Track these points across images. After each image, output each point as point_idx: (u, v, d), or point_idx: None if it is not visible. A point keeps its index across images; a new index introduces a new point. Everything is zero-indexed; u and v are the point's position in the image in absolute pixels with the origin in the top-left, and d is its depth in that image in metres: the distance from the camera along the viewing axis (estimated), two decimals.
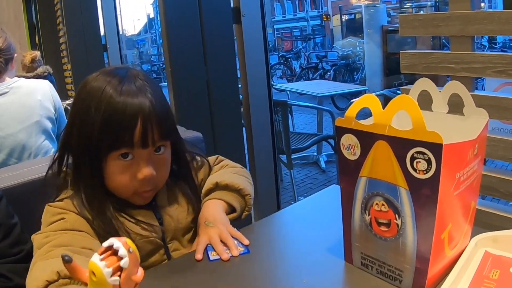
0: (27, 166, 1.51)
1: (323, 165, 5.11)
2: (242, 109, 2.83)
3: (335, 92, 6.03)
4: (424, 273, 0.76)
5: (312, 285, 0.86)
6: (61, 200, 0.98)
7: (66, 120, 2.43)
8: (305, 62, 12.67)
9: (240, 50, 2.64)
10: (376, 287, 0.83)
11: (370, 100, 0.76)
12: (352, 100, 4.86)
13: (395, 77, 7.24)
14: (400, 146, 0.72)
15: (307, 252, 0.97)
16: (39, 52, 3.48)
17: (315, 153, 5.26)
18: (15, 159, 2.21)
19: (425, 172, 0.70)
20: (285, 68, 12.84)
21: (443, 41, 6.88)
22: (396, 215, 0.77)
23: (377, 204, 0.79)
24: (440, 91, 0.92)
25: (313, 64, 11.82)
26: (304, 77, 11.47)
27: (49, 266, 0.81)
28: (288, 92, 6.65)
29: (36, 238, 0.92)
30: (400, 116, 0.74)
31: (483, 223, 0.98)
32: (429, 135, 0.68)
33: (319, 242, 0.99)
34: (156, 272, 0.96)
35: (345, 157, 0.82)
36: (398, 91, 3.93)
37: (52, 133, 2.34)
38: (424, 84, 0.93)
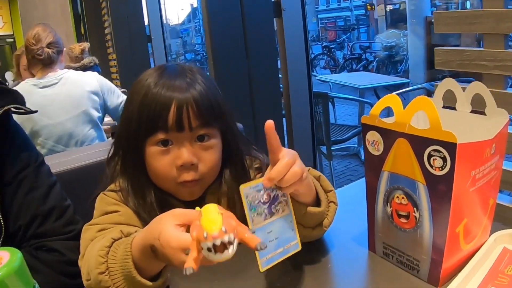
0: (75, 153, 1.60)
1: (363, 157, 5.09)
2: (282, 101, 2.89)
3: (376, 84, 5.99)
4: (439, 264, 0.82)
5: (336, 270, 0.93)
6: (113, 190, 1.01)
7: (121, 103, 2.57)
8: (349, 53, 12.59)
9: (280, 43, 2.69)
10: (396, 275, 0.88)
11: (392, 100, 0.81)
12: (394, 93, 4.83)
13: (438, 70, 7.08)
14: (419, 143, 0.77)
15: (334, 239, 1.03)
16: (88, 43, 3.60)
17: (356, 145, 5.27)
18: (62, 146, 2.35)
19: (440, 168, 0.75)
20: (329, 58, 12.78)
21: None
22: (415, 208, 0.82)
23: (397, 197, 0.85)
24: (463, 91, 0.97)
25: (357, 55, 11.73)
26: (347, 68, 11.40)
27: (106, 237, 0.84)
28: (330, 84, 6.66)
29: (89, 230, 0.93)
30: (420, 115, 0.79)
31: (506, 218, 1.01)
32: (444, 134, 0.73)
33: (346, 231, 1.05)
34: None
35: (370, 152, 0.88)
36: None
37: (98, 122, 2.46)
38: (448, 84, 0.97)
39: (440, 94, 0.98)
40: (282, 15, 2.61)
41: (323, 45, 14.22)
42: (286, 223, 0.81)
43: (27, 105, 1.11)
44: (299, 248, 0.83)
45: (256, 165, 1.08)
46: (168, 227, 0.70)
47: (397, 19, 12.06)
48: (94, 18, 5.26)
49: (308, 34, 2.89)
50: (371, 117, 0.85)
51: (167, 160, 0.94)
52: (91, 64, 3.51)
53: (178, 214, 0.72)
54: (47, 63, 2.37)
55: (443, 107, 0.99)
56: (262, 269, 0.77)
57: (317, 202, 0.91)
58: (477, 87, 0.94)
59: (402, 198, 0.84)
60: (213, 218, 0.62)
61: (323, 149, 4.24)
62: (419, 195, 0.80)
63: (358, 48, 12.31)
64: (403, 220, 0.85)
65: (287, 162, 0.78)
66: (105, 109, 2.54)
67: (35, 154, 1.12)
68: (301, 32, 2.72)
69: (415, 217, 0.83)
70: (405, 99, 7.05)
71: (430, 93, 3.91)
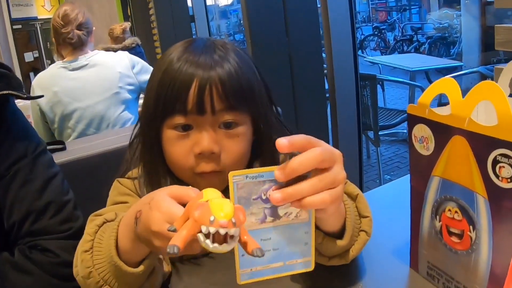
0: (104, 136, 1.53)
1: None
2: (326, 83, 2.72)
3: (428, 67, 5.69)
4: None
5: None
6: (130, 178, 0.92)
7: None
8: (400, 34, 12.16)
9: (324, 21, 2.51)
10: None
11: (447, 85, 0.63)
12: (445, 76, 4.58)
13: (493, 52, 6.74)
14: (481, 145, 0.59)
15: (368, 250, 0.83)
16: (129, 23, 3.54)
17: (405, 130, 5.02)
18: (93, 129, 2.31)
19: (509, 180, 0.57)
20: (379, 40, 12.39)
21: None
22: (471, 227, 0.64)
23: (449, 210, 0.67)
24: None
25: (408, 36, 11.31)
26: (398, 50, 11.02)
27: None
28: (380, 66, 6.40)
29: (92, 221, 0.81)
30: (487, 107, 0.61)
31: None
32: None
33: (384, 241, 0.88)
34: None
35: (417, 151, 0.70)
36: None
37: (131, 104, 2.41)
38: None
39: (506, 80, 0.78)
40: None
41: (374, 26, 13.84)
42: (298, 232, 0.61)
43: (56, 89, 1.01)
44: (311, 267, 0.63)
45: None
46: (164, 195, 0.60)
47: (450, 1, 11.53)
48: (139, 1, 5.22)
49: (359, 15, 2.70)
50: (420, 107, 0.67)
51: (185, 146, 0.82)
52: (133, 45, 3.43)
53: (175, 188, 0.61)
54: (78, 45, 2.30)
55: (509, 95, 0.80)
56: (241, 281, 0.60)
57: (342, 229, 0.73)
58: None
59: (456, 212, 0.66)
60: (224, 204, 0.51)
61: (370, 134, 4.04)
62: (477, 211, 0.62)
63: (409, 29, 11.85)
64: (454, 239, 0.68)
65: (322, 152, 0.58)
66: (139, 89, 2.43)
67: (35, 144, 1.03)
68: (346, 8, 2.52)
69: (471, 237, 0.65)
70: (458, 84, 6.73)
71: (485, 78, 3.64)
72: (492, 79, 3.60)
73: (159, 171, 0.88)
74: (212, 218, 0.49)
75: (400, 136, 5.14)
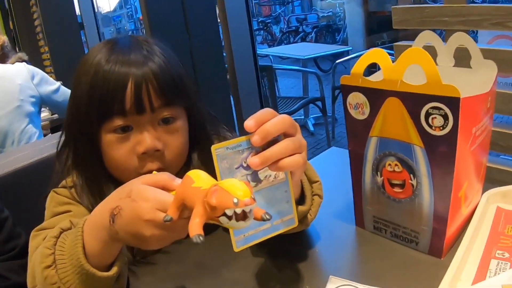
0: (13, 154, 1.45)
1: (311, 128, 5.06)
2: (228, 77, 2.77)
3: (320, 54, 5.93)
4: (442, 234, 0.73)
5: (325, 253, 0.83)
6: (65, 187, 0.88)
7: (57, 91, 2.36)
8: (285, 26, 12.49)
9: (222, 15, 2.57)
10: (392, 251, 0.79)
11: (378, 55, 0.71)
12: (336, 61, 4.80)
13: (377, 36, 7.17)
14: (414, 102, 0.67)
15: (317, 220, 0.89)
16: (5, 37, 3.32)
17: (303, 117, 5.20)
18: None
19: (441, 128, 0.66)
20: (265, 33, 12.66)
21: None
22: (411, 175, 0.73)
23: (389, 164, 0.75)
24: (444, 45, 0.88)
25: (293, 27, 11.66)
26: (285, 41, 11.32)
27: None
28: (271, 57, 6.57)
29: (36, 236, 0.79)
30: (410, 70, 0.69)
31: (491, 179, 0.95)
32: (445, 88, 0.64)
33: (326, 208, 0.95)
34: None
35: (353, 117, 0.77)
36: (385, 49, 3.86)
37: (34, 117, 2.28)
38: (427, 36, 0.88)
39: (451, 52, 0.88)
40: None
41: (259, 20, 14.10)
42: (278, 192, 0.66)
43: None
44: (295, 224, 0.68)
45: None
46: (143, 185, 0.60)
47: None
48: (22, 11, 4.97)
49: None
50: (353, 77, 0.74)
51: (127, 147, 0.81)
52: (19, 62, 3.24)
53: (150, 177, 0.62)
54: None
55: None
56: (237, 248, 0.64)
57: (300, 197, 0.78)
58: (460, 38, 0.86)
59: (396, 165, 0.74)
60: (238, 184, 0.52)
61: None
62: (416, 160, 0.71)
63: (294, 21, 12.21)
64: (397, 189, 0.76)
65: (285, 118, 0.63)
66: (40, 100, 2.33)
67: None
68: (242, 2, 2.60)
69: (412, 184, 0.73)
70: (346, 68, 7.08)
71: None
72: None
73: (98, 178, 0.86)
74: (235, 200, 0.50)
75: (299, 122, 5.25)
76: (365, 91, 0.74)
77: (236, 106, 2.76)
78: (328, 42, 9.42)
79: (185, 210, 0.57)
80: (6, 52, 3.07)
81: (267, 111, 0.63)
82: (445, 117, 0.65)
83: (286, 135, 0.64)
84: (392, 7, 1.55)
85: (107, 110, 0.79)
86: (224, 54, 2.73)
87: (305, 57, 5.43)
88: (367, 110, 0.75)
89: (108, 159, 0.84)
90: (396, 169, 0.74)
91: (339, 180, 0.92)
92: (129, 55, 0.80)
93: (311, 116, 5.22)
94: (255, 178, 0.63)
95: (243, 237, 0.64)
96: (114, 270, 0.67)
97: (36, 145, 1.52)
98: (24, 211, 1.03)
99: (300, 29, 11.17)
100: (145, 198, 0.58)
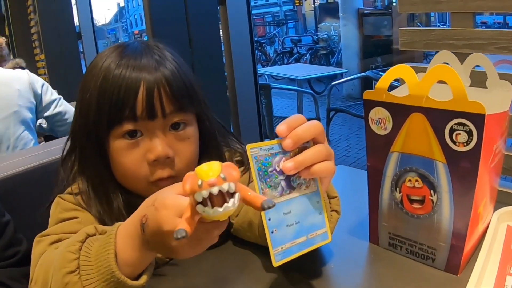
0: (9, 159, 1.43)
1: None
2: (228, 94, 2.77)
3: (316, 75, 6.00)
4: (460, 250, 0.74)
5: (339, 269, 0.82)
6: (71, 193, 0.86)
7: (55, 101, 2.34)
8: (280, 47, 12.63)
9: (225, 31, 2.58)
10: (407, 268, 0.79)
11: (403, 70, 0.72)
12: (332, 83, 4.85)
13: (372, 59, 7.27)
14: (439, 117, 0.68)
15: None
16: (3, 38, 3.28)
17: None
18: None
19: (465, 144, 0.67)
20: (260, 53, 12.77)
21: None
22: (431, 191, 0.73)
23: (410, 180, 0.76)
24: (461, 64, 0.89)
25: (288, 48, 11.80)
26: (279, 62, 11.43)
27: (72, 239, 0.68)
28: (266, 76, 6.61)
29: (41, 242, 0.77)
30: (433, 88, 0.70)
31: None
32: (471, 105, 0.65)
33: (339, 225, 0.95)
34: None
35: (374, 132, 0.78)
36: (381, 73, 3.92)
37: (31, 124, 2.25)
38: (444, 56, 0.89)
39: (467, 72, 0.90)
40: (226, 2, 2.50)
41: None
42: (312, 203, 0.65)
43: None
44: (329, 239, 0.67)
45: (237, 158, 0.95)
46: (166, 192, 0.59)
47: (326, 13, 12.19)
48: (20, 17, 4.96)
49: None
50: (378, 92, 0.75)
51: (137, 154, 0.80)
52: (16, 68, 3.20)
53: (178, 186, 0.59)
54: None
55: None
56: (276, 263, 0.61)
57: None
58: (477, 58, 0.87)
59: (416, 181, 0.75)
60: (209, 165, 0.49)
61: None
62: (437, 176, 0.72)
63: (289, 42, 12.36)
64: (416, 205, 0.76)
65: (316, 123, 0.63)
66: (37, 109, 2.31)
67: None
68: (245, 19, 2.62)
69: (432, 200, 0.74)
70: (339, 90, 7.14)
71: (372, 81, 3.92)
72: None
73: (105, 185, 0.84)
74: (199, 182, 0.47)
75: None
76: (389, 106, 0.74)
77: (234, 124, 2.77)
78: (323, 64, 9.52)
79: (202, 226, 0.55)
80: (4, 54, 3.04)
81: (298, 116, 0.63)
82: (470, 133, 0.66)
83: (315, 141, 0.64)
84: (400, 28, 1.57)
85: (118, 115, 0.78)
86: (225, 73, 2.74)
87: (302, 77, 5.48)
88: (389, 125, 0.75)
89: (117, 166, 0.82)
90: (417, 185, 0.75)
91: (350, 197, 0.92)
92: (141, 60, 0.80)
93: None
94: (289, 184, 0.63)
95: (281, 250, 0.62)
96: (144, 279, 0.64)
97: (32, 152, 1.50)
98: (20, 217, 1.03)
99: (295, 51, 11.28)
100: (165, 206, 0.57)
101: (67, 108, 2.40)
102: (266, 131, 4.02)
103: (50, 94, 2.36)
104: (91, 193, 0.84)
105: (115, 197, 0.83)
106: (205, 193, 0.47)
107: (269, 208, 0.51)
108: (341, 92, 7.50)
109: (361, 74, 5.56)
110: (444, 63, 0.89)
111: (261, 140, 2.90)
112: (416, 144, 0.73)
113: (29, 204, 0.91)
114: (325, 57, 9.74)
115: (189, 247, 0.59)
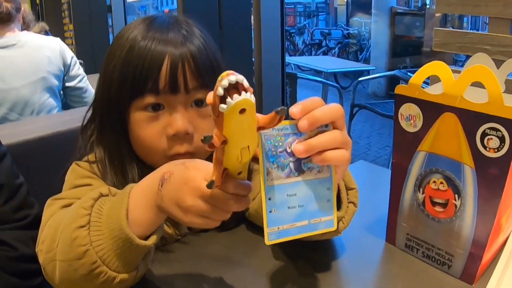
0: (30, 123, 1.43)
1: None
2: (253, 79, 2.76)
3: (343, 70, 5.96)
4: (478, 259, 0.71)
5: (352, 265, 0.81)
6: (88, 161, 0.86)
7: (79, 76, 2.36)
8: (309, 39, 12.53)
9: (256, 17, 2.56)
10: (421, 272, 0.77)
11: (439, 67, 0.69)
12: (359, 79, 4.80)
13: (400, 59, 7.19)
14: (472, 120, 0.66)
15: (345, 231, 0.84)
16: (26, 5, 3.28)
17: None
18: (16, 114, 2.13)
19: (496, 150, 0.64)
20: (288, 43, 12.70)
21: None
22: (456, 195, 0.71)
23: (434, 182, 0.73)
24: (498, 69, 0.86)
25: (317, 41, 11.69)
26: (306, 53, 11.36)
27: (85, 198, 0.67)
28: (293, 66, 6.58)
29: (52, 205, 0.76)
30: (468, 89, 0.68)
31: None
32: (507, 110, 0.62)
33: (355, 219, 0.93)
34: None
35: (403, 128, 0.76)
36: (409, 73, 3.86)
37: (57, 91, 2.27)
38: (481, 59, 0.86)
39: (503, 78, 0.86)
40: None
41: None
42: (321, 188, 0.62)
43: None
44: (334, 227, 0.64)
45: None
46: (196, 160, 0.62)
47: (358, 8, 12.04)
48: None
49: None
50: (411, 87, 0.73)
51: (156, 128, 0.79)
52: (42, 32, 3.18)
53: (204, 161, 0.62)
54: (5, 20, 2.15)
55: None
56: (269, 241, 0.59)
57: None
58: None
59: (441, 183, 0.72)
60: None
61: None
62: (463, 180, 0.69)
63: (318, 34, 12.24)
64: (438, 208, 0.74)
65: (337, 106, 0.60)
66: (63, 78, 2.33)
67: None
68: (278, 6, 2.59)
69: (455, 205, 0.71)
70: (364, 87, 7.08)
71: (399, 81, 3.87)
72: (407, 81, 3.77)
73: (122, 156, 0.84)
74: (219, 78, 0.48)
75: None
76: (421, 103, 0.72)
77: (257, 109, 2.75)
78: (351, 59, 9.43)
79: (229, 181, 0.56)
80: (29, 20, 3.05)
81: (315, 99, 0.60)
82: (502, 139, 0.63)
83: (334, 126, 0.60)
84: (435, 28, 1.53)
85: (140, 87, 0.78)
86: (253, 59, 2.73)
87: (329, 70, 5.43)
88: (419, 123, 0.73)
89: (136, 138, 0.82)
90: (441, 187, 0.72)
91: (370, 193, 0.90)
92: (167, 34, 0.79)
93: None
94: (298, 167, 0.60)
95: (277, 230, 0.60)
96: (153, 239, 0.64)
97: (54, 118, 1.50)
98: (35, 182, 1.03)
99: (323, 43, 11.19)
100: (197, 168, 0.59)
101: (89, 88, 2.41)
102: (288, 119, 4.00)
103: (78, 68, 2.38)
104: (107, 163, 0.84)
105: (130, 169, 0.83)
106: (225, 82, 0.47)
107: (282, 112, 0.52)
108: (366, 89, 7.42)
109: (388, 73, 5.51)
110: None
111: None
112: (445, 145, 0.70)
113: (45, 170, 0.92)
114: (354, 53, 9.65)
115: (201, 212, 0.58)
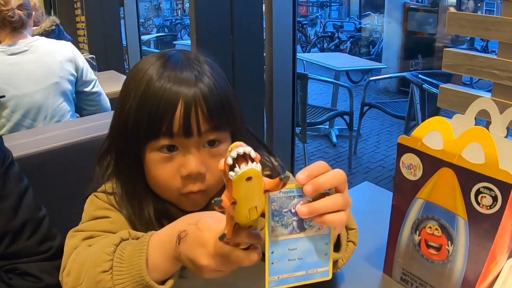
0: (44, 132, 1.42)
1: (334, 139, 5.08)
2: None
3: (353, 67, 5.99)
4: None
5: None
6: (105, 192, 0.89)
7: (93, 81, 2.40)
8: (321, 31, 12.48)
9: (268, 11, 2.58)
10: None
11: (440, 124, 0.75)
12: (370, 78, 4.81)
13: (412, 55, 7.17)
14: (468, 177, 0.71)
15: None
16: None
17: (327, 126, 5.21)
18: (30, 120, 2.18)
19: (488, 207, 0.70)
20: (300, 34, 12.63)
21: None
22: (449, 242, 0.77)
23: (430, 227, 0.79)
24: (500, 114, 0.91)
25: (329, 33, 11.64)
26: (318, 45, 11.31)
27: (105, 242, 0.74)
28: (304, 61, 6.59)
29: (74, 237, 0.82)
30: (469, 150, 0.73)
31: None
32: (500, 173, 0.67)
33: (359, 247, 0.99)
34: None
35: (403, 175, 0.81)
36: (420, 75, 3.87)
37: (70, 96, 2.30)
38: (485, 103, 0.91)
39: (473, 114, 0.91)
40: None
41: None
42: (319, 244, 0.68)
43: None
44: (329, 277, 0.70)
45: (266, 173, 0.96)
46: (209, 217, 0.67)
47: (371, 2, 11.99)
48: None
49: None
50: (413, 140, 0.78)
51: (171, 168, 0.82)
52: (53, 27, 3.15)
53: (217, 213, 0.67)
54: (18, 28, 2.17)
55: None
56: None
57: (335, 243, 0.80)
58: None
59: (436, 229, 0.78)
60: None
61: (297, 130, 4.17)
62: (457, 230, 0.75)
63: (330, 26, 12.20)
64: (432, 251, 0.80)
65: (339, 173, 0.66)
66: (76, 83, 2.34)
67: (3, 155, 0.96)
68: (289, 6, 2.62)
69: (448, 250, 0.77)
70: (375, 82, 7.09)
71: (409, 83, 3.88)
72: (417, 85, 3.76)
73: (138, 191, 0.87)
74: (229, 148, 0.55)
75: (322, 132, 5.30)
76: (421, 155, 0.78)
77: (268, 112, 2.79)
78: (363, 53, 9.41)
79: (240, 233, 0.62)
80: (39, 15, 3.04)
81: (320, 164, 0.65)
82: (495, 198, 0.69)
83: (336, 190, 0.66)
84: (445, 49, 1.58)
85: (155, 130, 0.80)
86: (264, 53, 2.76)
87: (340, 69, 5.44)
88: (419, 173, 0.79)
89: (151, 177, 0.85)
90: (436, 233, 0.78)
91: (372, 220, 0.94)
92: (181, 74, 0.81)
93: (335, 127, 5.24)
94: (300, 225, 0.66)
95: (277, 279, 0.66)
96: (170, 283, 0.70)
97: (68, 126, 1.51)
98: (49, 193, 1.05)
99: (336, 36, 11.14)
100: (209, 229, 0.63)
101: (101, 91, 2.46)
102: (297, 119, 4.02)
103: (90, 72, 2.41)
104: (123, 196, 0.87)
105: (146, 204, 0.87)
106: (233, 153, 0.54)
107: (285, 180, 0.58)
108: (378, 84, 7.44)
109: (399, 74, 5.52)
110: (483, 109, 0.91)
111: (292, 128, 2.93)
112: (442, 196, 0.76)
113: (59, 180, 0.93)
114: (366, 47, 9.62)
115: (215, 270, 0.65)
